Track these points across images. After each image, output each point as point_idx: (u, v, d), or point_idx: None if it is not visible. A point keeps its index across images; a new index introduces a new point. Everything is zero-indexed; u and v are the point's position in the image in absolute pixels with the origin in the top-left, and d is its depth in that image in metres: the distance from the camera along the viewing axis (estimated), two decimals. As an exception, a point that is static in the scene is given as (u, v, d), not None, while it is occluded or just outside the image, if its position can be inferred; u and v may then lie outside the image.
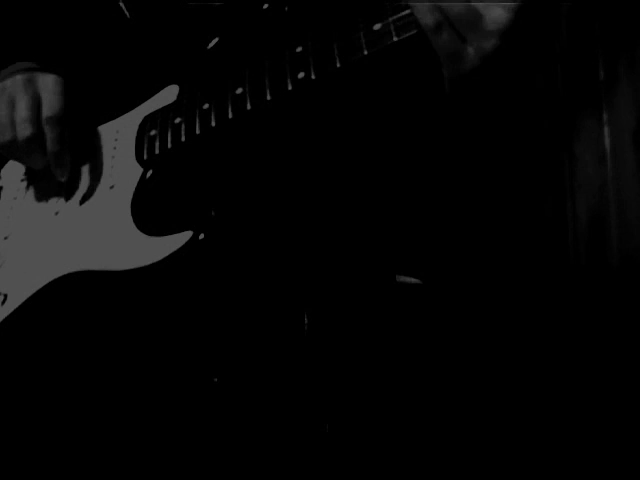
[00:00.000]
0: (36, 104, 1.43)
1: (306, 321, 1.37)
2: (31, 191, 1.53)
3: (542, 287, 2.15)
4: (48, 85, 1.45)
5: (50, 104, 1.43)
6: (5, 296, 1.44)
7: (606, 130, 2.13)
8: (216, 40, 1.40)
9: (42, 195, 1.52)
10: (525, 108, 2.20)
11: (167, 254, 1.30)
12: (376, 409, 1.42)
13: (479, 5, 1.12)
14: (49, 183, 1.51)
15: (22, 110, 1.42)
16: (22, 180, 1.56)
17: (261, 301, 1.38)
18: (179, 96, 1.42)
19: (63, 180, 1.45)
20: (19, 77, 1.45)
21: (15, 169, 1.59)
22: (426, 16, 1.15)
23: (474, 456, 1.92)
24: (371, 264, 1.48)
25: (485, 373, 1.88)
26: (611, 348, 2.04)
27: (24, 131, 1.42)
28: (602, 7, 2.08)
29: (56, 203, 1.49)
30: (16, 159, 1.50)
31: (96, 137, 1.49)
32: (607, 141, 2.13)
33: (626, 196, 2.10)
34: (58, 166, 1.43)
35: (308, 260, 1.41)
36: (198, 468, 1.36)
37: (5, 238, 1.51)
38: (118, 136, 1.47)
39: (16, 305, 1.42)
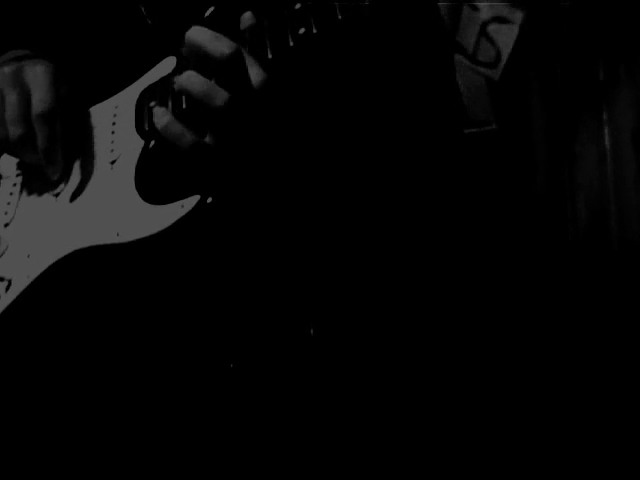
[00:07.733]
0: (25, 99, 1.38)
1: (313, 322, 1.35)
2: (30, 177, 1.50)
3: (541, 286, 2.14)
4: (37, 77, 1.39)
5: (40, 99, 1.38)
6: (9, 281, 1.41)
7: (606, 130, 2.14)
8: (212, 9, 1.37)
9: (41, 180, 1.48)
10: (525, 109, 2.21)
11: (175, 220, 1.27)
12: (381, 409, 1.40)
13: None
14: None
15: (11, 108, 1.38)
16: (20, 167, 1.53)
17: (272, 282, 1.36)
18: (177, 65, 1.38)
19: (55, 179, 1.42)
20: (7, 69, 1.40)
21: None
22: None
23: (473, 456, 1.90)
24: (375, 256, 1.46)
25: (487, 365, 1.85)
26: (610, 347, 2.05)
27: (15, 130, 1.38)
28: (602, 7, 2.09)
29: (56, 186, 1.46)
30: (11, 155, 1.47)
31: (93, 115, 1.46)
32: (607, 141, 2.14)
33: (626, 196, 2.11)
34: (49, 164, 1.40)
35: (317, 240, 1.38)
36: (212, 457, 1.33)
37: (6, 225, 1.48)
38: (117, 111, 1.44)
39: (21, 288, 1.38)
